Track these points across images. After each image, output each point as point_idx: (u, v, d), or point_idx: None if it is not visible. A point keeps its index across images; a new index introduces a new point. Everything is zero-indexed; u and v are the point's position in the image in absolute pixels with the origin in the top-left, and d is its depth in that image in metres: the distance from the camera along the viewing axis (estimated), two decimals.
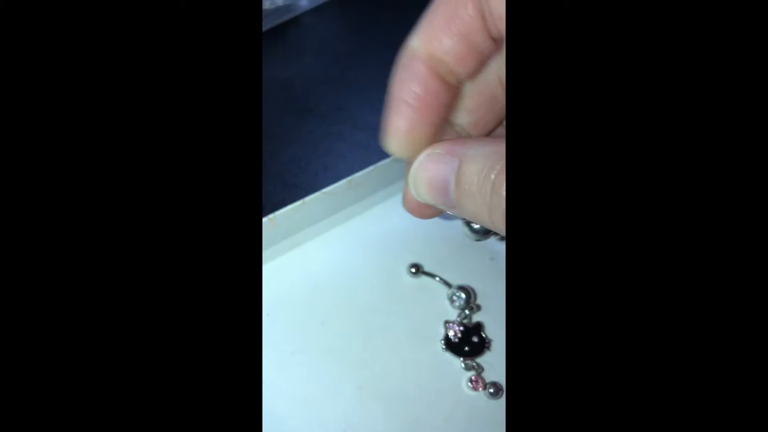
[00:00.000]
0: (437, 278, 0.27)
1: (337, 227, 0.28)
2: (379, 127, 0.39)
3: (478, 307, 0.26)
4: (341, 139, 0.34)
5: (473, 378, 0.24)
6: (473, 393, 0.24)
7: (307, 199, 0.26)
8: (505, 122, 0.20)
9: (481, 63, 0.17)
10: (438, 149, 0.17)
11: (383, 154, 0.28)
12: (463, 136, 0.19)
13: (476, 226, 0.19)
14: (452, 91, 0.17)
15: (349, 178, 0.27)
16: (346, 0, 0.46)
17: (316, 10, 0.45)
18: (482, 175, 0.15)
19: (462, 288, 0.26)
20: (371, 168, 0.27)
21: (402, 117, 0.17)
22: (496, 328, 0.26)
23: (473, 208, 0.16)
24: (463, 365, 0.24)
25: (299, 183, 0.31)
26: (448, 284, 0.27)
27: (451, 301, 0.26)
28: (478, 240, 0.19)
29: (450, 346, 0.25)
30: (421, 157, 0.17)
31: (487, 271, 0.27)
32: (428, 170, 0.17)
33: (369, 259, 0.28)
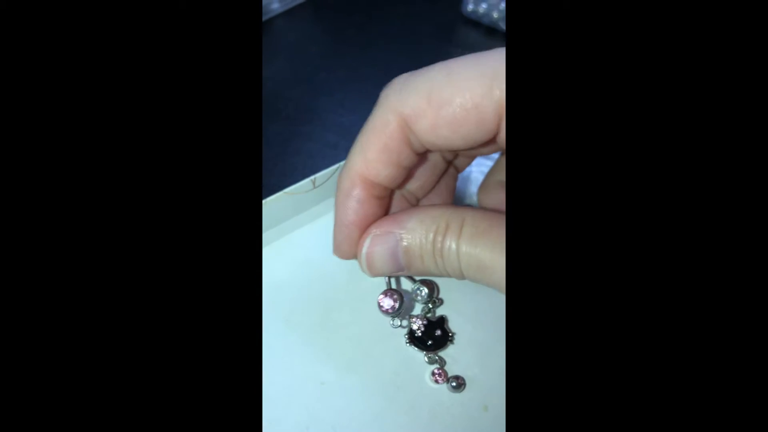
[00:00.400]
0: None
1: (300, 227, 0.29)
2: (348, 128, 0.39)
3: (441, 302, 0.27)
4: (309, 140, 0.34)
5: (436, 371, 0.24)
6: (436, 386, 0.24)
7: (269, 199, 0.26)
8: (444, 180, 0.25)
9: (409, 172, 0.21)
10: (378, 231, 0.21)
11: None
12: (403, 209, 0.22)
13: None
14: (385, 198, 0.21)
15: (311, 177, 0.27)
16: (319, 2, 0.47)
17: (288, 14, 0.45)
18: (425, 241, 0.20)
19: (425, 282, 0.27)
20: (334, 167, 0.28)
21: (346, 237, 0.21)
22: (458, 322, 0.26)
23: (423, 267, 0.21)
24: (426, 359, 0.25)
25: (266, 184, 0.32)
26: (412, 279, 0.27)
27: (415, 295, 0.27)
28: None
29: (413, 339, 0.25)
30: (367, 241, 0.21)
31: None
32: (376, 250, 0.21)
33: (333, 258, 0.28)
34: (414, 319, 0.26)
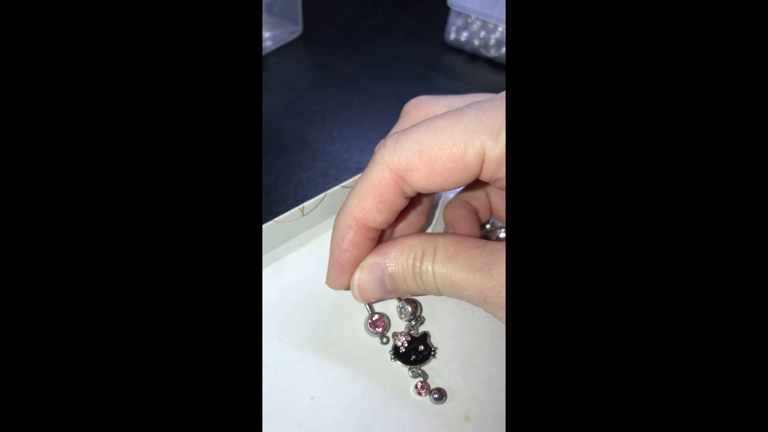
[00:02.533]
0: None
1: (291, 253, 0.31)
2: (336, 156, 0.42)
3: (424, 319, 0.28)
4: (301, 169, 0.37)
5: (419, 384, 0.26)
6: (419, 398, 0.26)
7: (263, 227, 0.28)
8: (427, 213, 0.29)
9: (396, 213, 0.24)
10: (366, 263, 0.25)
11: (340, 181, 0.31)
12: (387, 241, 0.26)
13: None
14: (376, 239, 0.25)
15: (300, 206, 0.29)
16: (309, 37, 0.49)
17: (280, 50, 0.48)
18: (406, 267, 0.24)
19: (409, 301, 0.29)
20: (321, 195, 0.30)
21: (339, 273, 0.25)
22: (440, 337, 0.28)
23: (406, 288, 0.25)
24: (410, 373, 0.26)
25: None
26: (397, 298, 0.29)
27: (399, 313, 0.28)
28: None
29: (398, 355, 0.27)
30: (357, 273, 0.25)
31: None
32: (366, 280, 0.25)
33: (322, 281, 0.30)
34: (398, 336, 0.27)
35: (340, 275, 0.25)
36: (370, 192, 0.22)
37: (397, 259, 0.24)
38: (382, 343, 0.28)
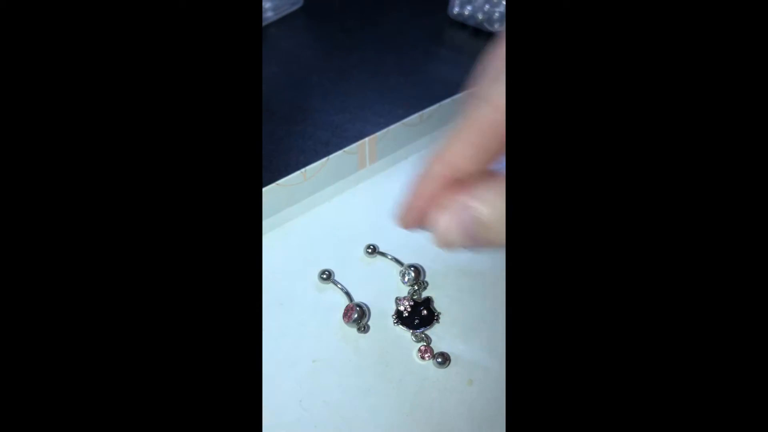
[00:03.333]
0: (389, 257, 0.29)
1: (294, 218, 0.30)
2: (338, 125, 0.41)
3: (427, 284, 0.28)
4: (302, 138, 0.36)
5: (422, 348, 0.26)
6: (423, 362, 0.25)
7: (264, 189, 0.28)
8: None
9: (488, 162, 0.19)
10: (453, 204, 0.19)
11: (342, 149, 0.30)
12: (463, 179, 0.20)
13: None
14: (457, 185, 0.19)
15: (302, 170, 0.29)
16: (311, 10, 0.49)
17: (281, 21, 0.47)
18: (498, 214, 0.18)
19: (412, 266, 0.28)
20: (323, 160, 0.29)
21: (417, 209, 0.20)
22: (443, 302, 0.27)
23: (498, 239, 0.18)
24: (413, 337, 0.26)
25: (263, 178, 0.33)
26: (399, 263, 0.29)
27: (403, 278, 0.28)
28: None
29: (401, 319, 0.27)
30: (441, 217, 0.19)
31: (435, 251, 0.29)
32: (452, 224, 0.19)
33: (326, 245, 0.29)
34: (401, 301, 0.27)
35: (416, 212, 0.20)
36: (471, 135, 0.18)
37: (489, 205, 0.18)
38: (360, 331, 0.26)
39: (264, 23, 0.46)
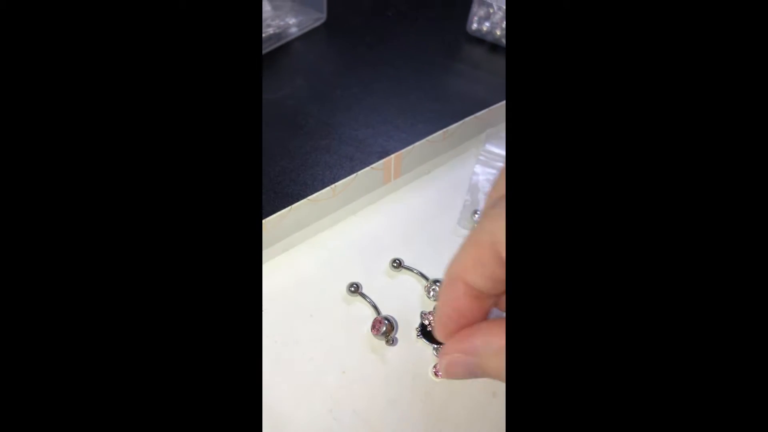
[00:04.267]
0: (415, 271, 0.30)
1: (323, 231, 0.31)
2: (362, 140, 0.42)
3: None
4: (328, 152, 0.37)
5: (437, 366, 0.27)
6: (436, 379, 0.26)
7: (294, 206, 0.29)
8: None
9: (500, 283, 0.21)
10: (456, 354, 0.21)
11: (366, 164, 0.31)
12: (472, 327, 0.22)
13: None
14: (482, 299, 0.21)
15: (332, 186, 0.30)
16: (332, 26, 0.50)
17: (305, 36, 0.48)
18: (498, 363, 0.19)
19: (437, 281, 0.29)
20: (352, 176, 0.30)
21: (444, 324, 0.21)
22: None
23: (499, 374, 0.20)
24: (434, 352, 0.27)
25: (290, 192, 0.34)
26: (425, 277, 0.30)
27: (428, 293, 0.29)
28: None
29: (425, 333, 0.28)
30: (445, 363, 0.21)
31: None
32: (456, 370, 0.21)
33: (353, 258, 0.30)
34: (426, 315, 0.28)
35: (444, 326, 0.22)
36: (472, 251, 0.20)
37: (492, 360, 0.20)
38: (388, 344, 0.27)
39: (288, 39, 0.47)
